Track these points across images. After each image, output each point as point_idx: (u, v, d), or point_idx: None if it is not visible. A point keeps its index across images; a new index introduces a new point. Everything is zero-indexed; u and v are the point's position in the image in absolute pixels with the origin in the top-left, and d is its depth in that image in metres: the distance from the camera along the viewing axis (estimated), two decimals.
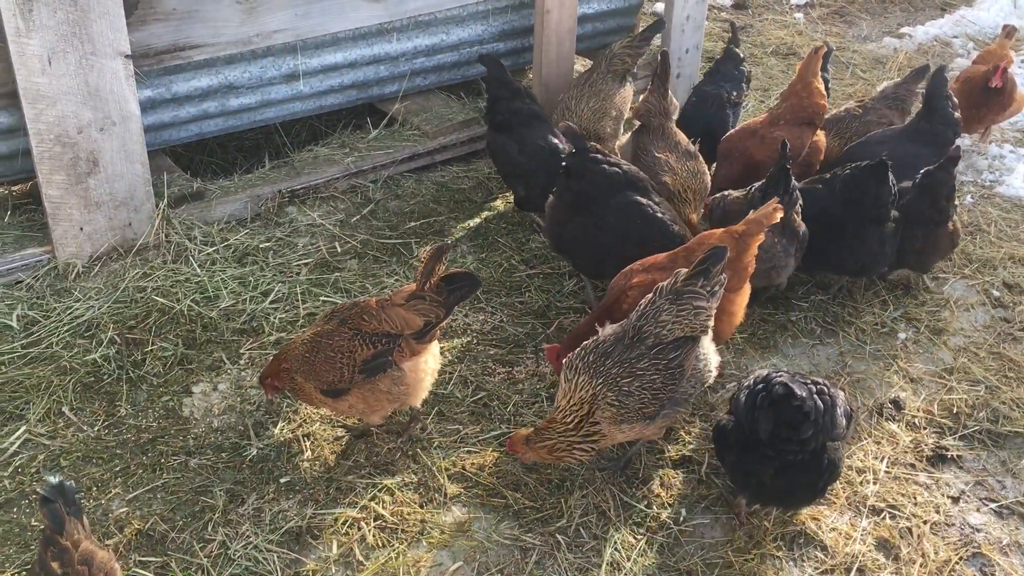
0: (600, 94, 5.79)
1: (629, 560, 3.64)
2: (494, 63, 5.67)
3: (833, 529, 3.83)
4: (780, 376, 3.49)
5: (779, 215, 4.09)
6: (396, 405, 3.96)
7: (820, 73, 5.62)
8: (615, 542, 3.71)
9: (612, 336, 3.73)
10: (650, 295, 3.73)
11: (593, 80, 5.85)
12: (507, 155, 5.48)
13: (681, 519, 3.82)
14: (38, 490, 2.69)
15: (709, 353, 3.84)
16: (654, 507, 3.87)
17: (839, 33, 8.53)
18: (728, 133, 5.69)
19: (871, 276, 5.07)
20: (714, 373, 3.89)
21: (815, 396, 3.44)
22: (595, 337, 3.76)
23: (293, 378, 3.86)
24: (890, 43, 8.36)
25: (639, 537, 3.75)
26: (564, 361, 3.78)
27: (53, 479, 2.69)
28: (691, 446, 4.15)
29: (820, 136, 5.65)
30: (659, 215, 4.65)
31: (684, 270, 3.74)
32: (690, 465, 4.07)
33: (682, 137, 5.34)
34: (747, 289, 4.23)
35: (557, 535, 3.72)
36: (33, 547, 3.53)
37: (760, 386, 3.51)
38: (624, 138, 5.53)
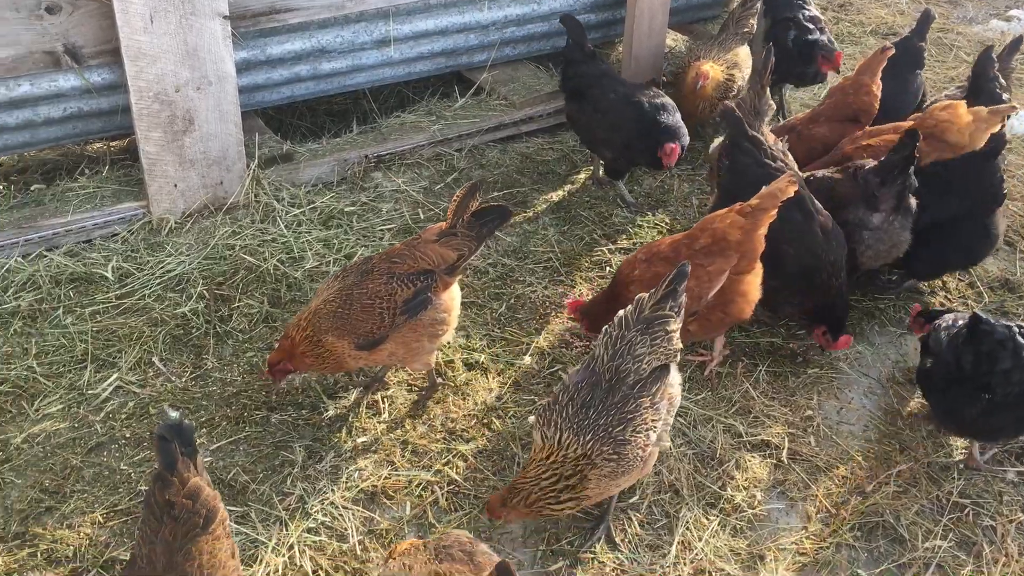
0: (729, 51, 5.90)
1: (700, 540, 3.61)
2: (574, 23, 5.56)
3: (913, 523, 3.74)
4: (978, 314, 3.64)
5: (793, 189, 3.93)
6: (435, 343, 3.98)
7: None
8: (687, 521, 3.68)
9: (584, 382, 3.38)
10: (612, 329, 3.42)
11: (723, 40, 5.96)
12: (584, 118, 5.42)
13: (756, 503, 3.78)
14: (158, 424, 2.77)
15: (673, 373, 3.52)
16: (728, 489, 3.83)
17: (944, 14, 8.19)
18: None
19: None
20: (680, 393, 3.59)
21: (1017, 334, 3.57)
22: (562, 386, 3.45)
23: (318, 344, 3.79)
24: (997, 25, 8.01)
25: (711, 518, 3.71)
26: (535, 418, 3.47)
27: (173, 414, 2.77)
28: (771, 430, 4.09)
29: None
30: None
31: (646, 295, 3.43)
32: (768, 449, 4.01)
33: (770, 137, 4.94)
34: (759, 268, 4.08)
35: (629, 511, 3.71)
36: (121, 489, 3.67)
37: (960, 323, 3.79)
38: (718, 141, 5.37)
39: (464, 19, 5.99)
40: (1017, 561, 3.60)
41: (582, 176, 5.83)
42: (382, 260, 3.91)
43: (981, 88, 5.28)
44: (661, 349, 3.41)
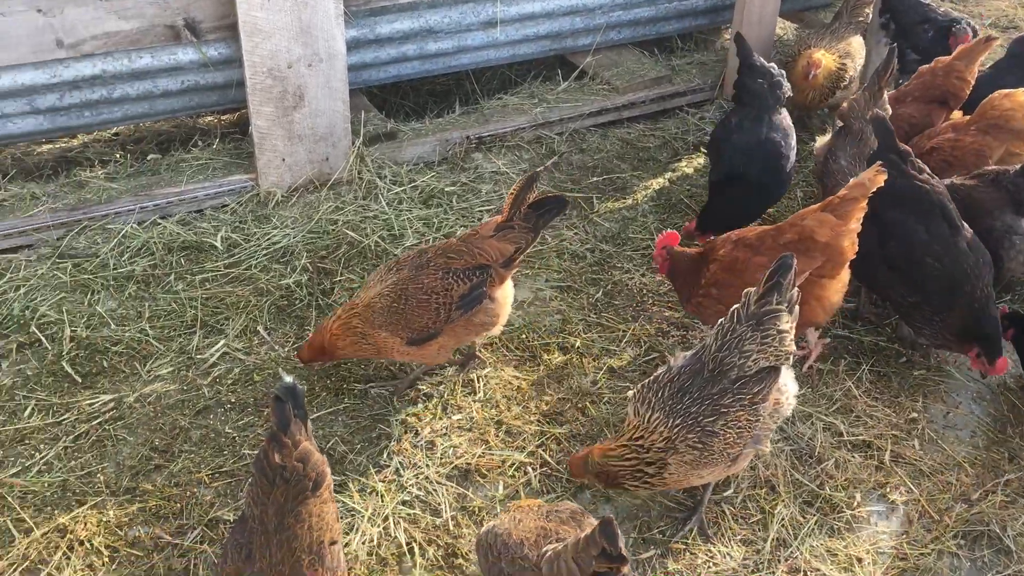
0: (843, 40, 5.78)
1: (796, 539, 3.55)
2: (741, 40, 5.21)
3: (1020, 534, 3.60)
4: None
5: (882, 179, 3.76)
6: (484, 335, 4.02)
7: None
8: (783, 519, 3.62)
9: (687, 368, 3.37)
10: (727, 322, 3.35)
11: (835, 29, 5.82)
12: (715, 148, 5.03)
13: (855, 504, 3.69)
14: (274, 388, 2.86)
15: (788, 382, 3.46)
16: (826, 488, 3.75)
17: None
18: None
19: None
20: (793, 404, 3.48)
21: None
22: (666, 367, 3.44)
23: (364, 337, 3.80)
24: None
25: (808, 517, 3.64)
26: (632, 393, 3.46)
27: (288, 378, 2.85)
28: (874, 431, 3.99)
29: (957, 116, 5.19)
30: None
31: (752, 290, 3.34)
32: (869, 450, 3.91)
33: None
34: (844, 277, 3.90)
35: (723, 504, 3.67)
36: (226, 451, 3.79)
37: None
38: (823, 139, 5.16)
39: (571, 2, 5.97)
40: None
41: (683, 164, 5.75)
42: (438, 255, 3.89)
43: None
44: (771, 349, 3.31)
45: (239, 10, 4.63)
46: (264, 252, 4.80)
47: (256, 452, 3.10)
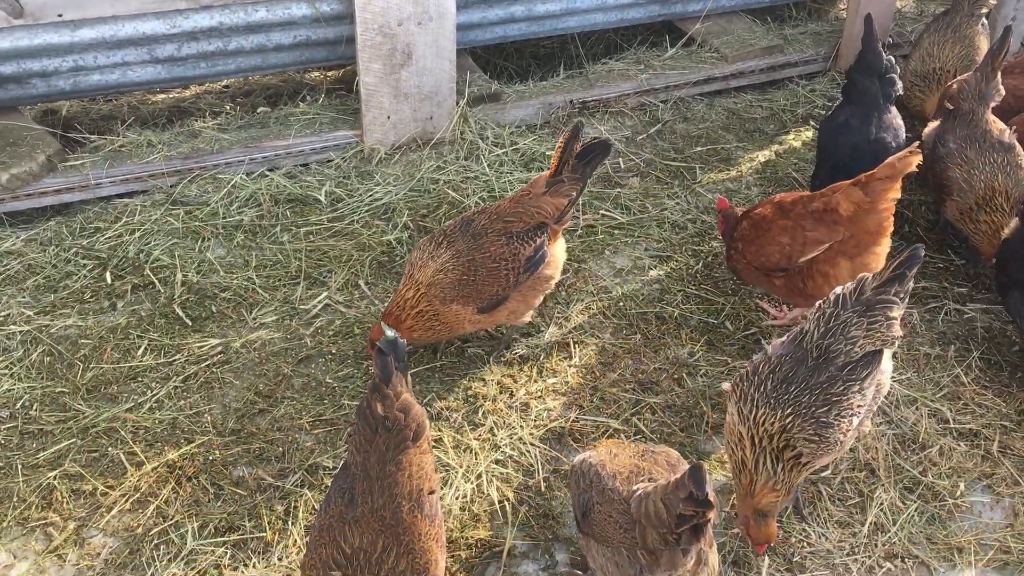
0: (965, 39, 5.30)
1: (895, 525, 3.47)
2: (870, 22, 4.80)
3: None
4: None
5: (917, 160, 3.59)
6: (545, 295, 4.00)
7: None
8: (882, 503, 3.54)
9: (788, 356, 3.24)
10: (827, 306, 3.24)
11: (957, 24, 5.35)
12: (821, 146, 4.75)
13: (958, 493, 3.59)
14: (377, 343, 2.92)
15: (886, 360, 3.33)
16: (929, 475, 3.65)
17: None
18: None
19: None
20: (889, 382, 3.40)
21: None
22: (763, 358, 3.30)
23: (435, 317, 3.77)
24: None
25: (908, 503, 3.56)
26: (730, 387, 3.35)
27: (390, 333, 2.91)
28: (982, 420, 3.86)
29: None
30: None
31: (869, 275, 3.24)
32: (976, 439, 3.79)
33: (996, 126, 4.48)
34: (864, 262, 3.74)
35: (819, 484, 3.61)
36: (327, 400, 3.88)
37: None
38: (932, 124, 4.81)
39: None
40: None
41: (791, 137, 5.61)
42: (493, 221, 3.86)
43: None
44: (878, 334, 3.21)
45: None
46: (366, 208, 4.87)
47: (358, 402, 3.16)
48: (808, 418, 3.13)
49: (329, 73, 6.03)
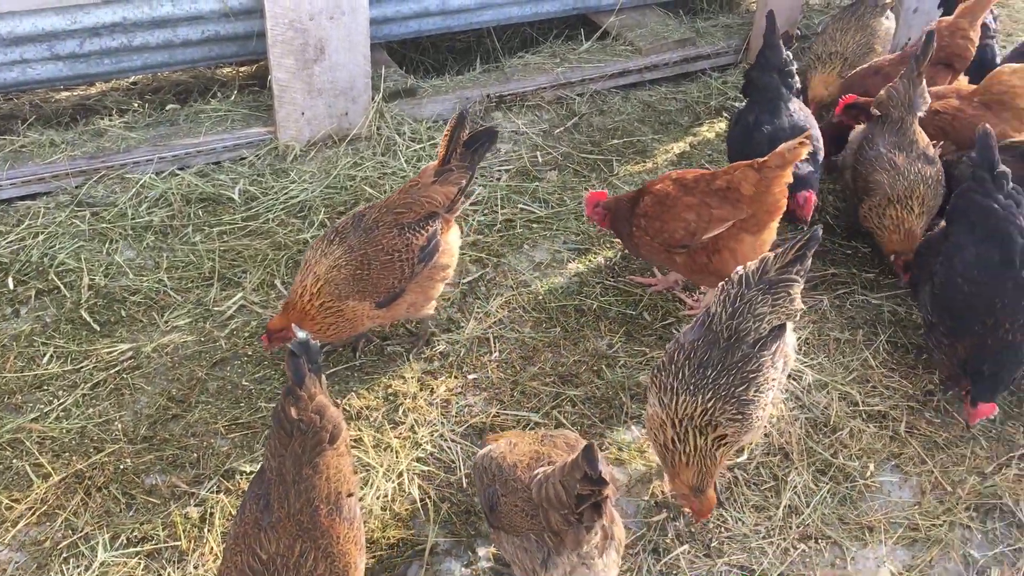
0: (867, 28, 5.50)
1: (808, 507, 3.56)
2: (771, 19, 4.77)
3: None
4: None
5: (806, 150, 3.75)
6: (444, 284, 3.98)
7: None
8: (796, 486, 3.63)
9: (700, 341, 3.30)
10: (730, 287, 3.32)
11: (861, 13, 5.55)
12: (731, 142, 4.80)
13: (868, 474, 3.70)
14: (288, 344, 2.86)
15: (790, 332, 3.45)
16: (840, 457, 3.75)
17: None
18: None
19: None
20: (793, 355, 3.51)
21: None
22: (676, 347, 3.35)
23: (338, 313, 3.71)
24: None
25: (821, 485, 3.65)
26: (649, 381, 3.42)
27: (301, 334, 2.85)
28: (889, 401, 3.98)
29: (962, 83, 5.06)
30: None
31: (771, 255, 3.32)
32: (884, 421, 3.91)
33: (923, 138, 4.52)
34: (766, 238, 3.95)
35: (735, 469, 3.68)
36: (243, 404, 3.81)
37: None
38: (859, 128, 4.81)
39: None
40: None
41: (704, 128, 5.70)
42: (384, 213, 3.82)
43: None
44: (782, 309, 3.33)
45: None
46: (282, 206, 4.79)
47: (274, 405, 3.11)
48: (729, 399, 3.21)
49: (241, 69, 5.91)
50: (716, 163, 5.36)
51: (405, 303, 3.87)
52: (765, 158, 3.85)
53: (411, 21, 5.67)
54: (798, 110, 4.67)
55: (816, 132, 4.60)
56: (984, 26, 5.38)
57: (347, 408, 3.82)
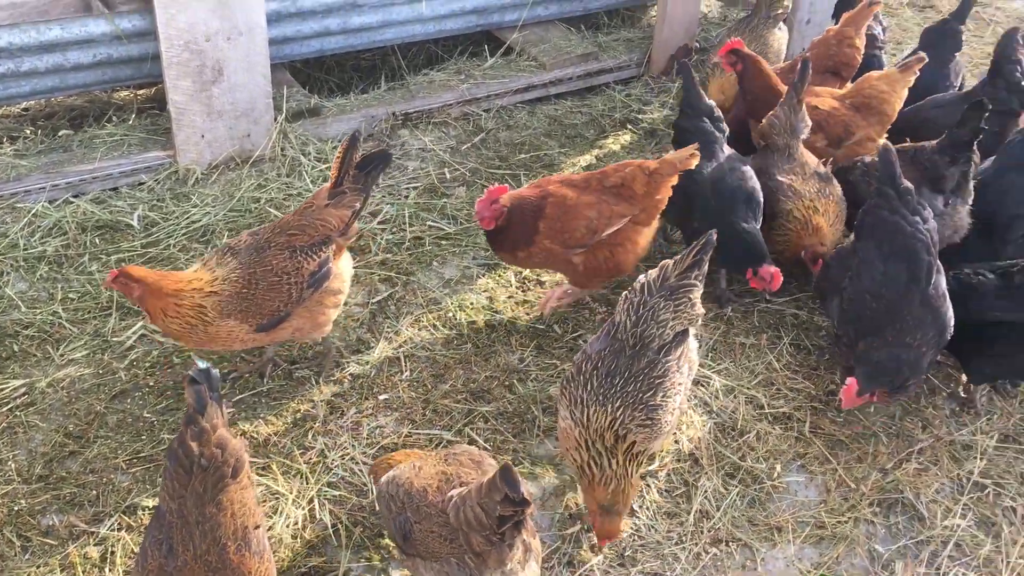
0: (760, 39, 5.68)
1: (719, 510, 3.61)
2: (687, 69, 4.77)
3: (933, 501, 3.72)
4: None
5: (695, 161, 4.03)
6: (337, 310, 3.88)
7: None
8: (706, 491, 3.68)
9: (607, 351, 3.35)
10: (633, 296, 3.40)
11: (755, 25, 5.74)
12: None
13: (775, 475, 3.77)
14: (188, 372, 2.77)
15: (691, 337, 3.54)
16: (748, 460, 3.82)
17: None
18: None
19: None
20: (697, 359, 3.60)
21: None
22: (583, 356, 3.41)
23: (209, 325, 3.57)
24: None
25: (730, 488, 3.71)
26: (559, 394, 3.46)
27: (202, 363, 2.77)
28: (793, 403, 4.07)
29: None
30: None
31: (671, 262, 3.44)
32: (789, 422, 3.99)
33: (811, 158, 4.62)
34: (655, 225, 4.25)
35: (648, 478, 3.71)
36: (144, 436, 3.69)
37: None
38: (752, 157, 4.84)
39: None
40: None
41: (610, 141, 5.77)
42: (276, 234, 3.73)
43: (999, 72, 4.93)
44: (684, 314, 3.42)
45: None
46: (183, 231, 4.68)
47: (170, 440, 3.02)
48: (637, 406, 3.25)
49: (140, 92, 5.77)
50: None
51: (290, 327, 3.75)
52: (657, 167, 4.07)
53: (312, 40, 5.62)
54: (733, 153, 4.63)
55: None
56: (872, 36, 5.59)
57: (254, 436, 3.74)
